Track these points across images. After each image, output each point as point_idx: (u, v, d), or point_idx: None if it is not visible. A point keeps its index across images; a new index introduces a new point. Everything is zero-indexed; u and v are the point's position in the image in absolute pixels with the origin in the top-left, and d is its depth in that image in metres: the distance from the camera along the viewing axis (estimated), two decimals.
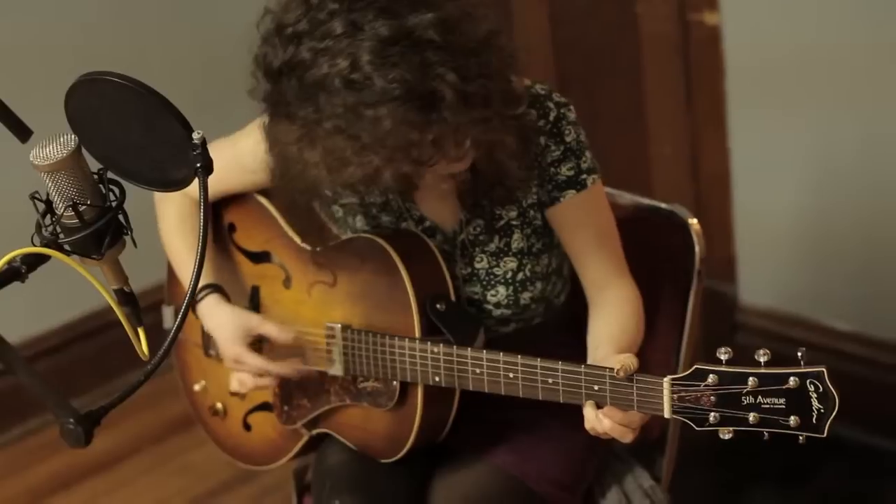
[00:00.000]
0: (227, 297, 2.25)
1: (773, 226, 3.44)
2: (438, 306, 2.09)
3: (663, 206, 2.34)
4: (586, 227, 2.12)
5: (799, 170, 3.33)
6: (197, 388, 2.42)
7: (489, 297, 2.16)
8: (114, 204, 1.38)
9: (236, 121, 2.24)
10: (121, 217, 1.39)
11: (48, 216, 1.38)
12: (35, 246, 1.38)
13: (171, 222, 2.30)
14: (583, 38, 3.69)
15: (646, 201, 2.36)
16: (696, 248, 2.27)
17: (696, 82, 3.47)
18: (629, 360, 1.85)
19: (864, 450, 3.26)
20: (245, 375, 2.23)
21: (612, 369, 1.86)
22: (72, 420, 1.36)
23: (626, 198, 2.38)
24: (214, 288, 2.24)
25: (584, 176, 2.09)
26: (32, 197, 1.38)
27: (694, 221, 2.29)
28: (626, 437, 1.90)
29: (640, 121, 3.63)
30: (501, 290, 2.15)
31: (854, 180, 3.24)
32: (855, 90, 3.15)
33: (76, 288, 1.72)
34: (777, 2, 3.23)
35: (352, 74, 1.83)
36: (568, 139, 2.08)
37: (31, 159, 1.34)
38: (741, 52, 3.34)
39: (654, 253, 2.34)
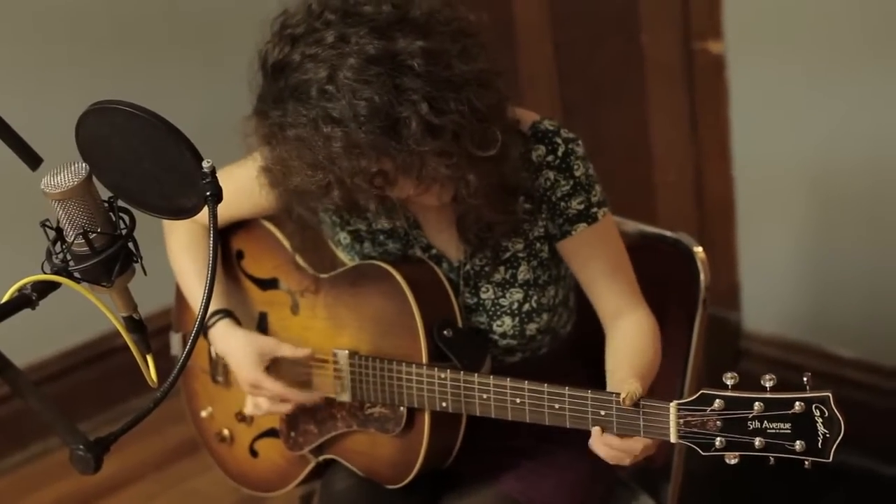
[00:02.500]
0: (238, 323, 2.25)
1: (778, 253, 3.45)
2: (445, 332, 2.09)
3: (668, 234, 2.34)
4: (598, 259, 2.12)
5: (803, 198, 3.33)
6: (204, 414, 2.43)
7: (495, 328, 2.16)
8: (124, 232, 1.38)
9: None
10: (131, 245, 1.39)
11: (58, 244, 1.38)
12: (45, 273, 1.38)
13: (181, 249, 2.31)
14: (587, 66, 3.70)
15: (651, 229, 2.36)
16: (702, 277, 2.27)
17: (700, 110, 3.48)
18: (633, 387, 1.86)
19: (868, 476, 3.26)
20: (262, 399, 2.24)
21: (618, 394, 1.87)
22: (82, 446, 1.36)
23: (631, 226, 2.38)
24: (226, 313, 2.25)
25: (595, 209, 2.10)
26: (43, 224, 1.38)
27: (699, 250, 2.29)
28: (623, 462, 1.92)
29: (644, 148, 3.63)
30: (507, 320, 2.16)
31: (859, 209, 3.24)
32: (861, 117, 3.15)
33: (78, 314, 1.72)
34: (782, 29, 3.23)
35: (327, 85, 1.87)
36: (577, 173, 2.09)
37: (42, 187, 1.34)
38: (745, 81, 3.35)
39: (659, 281, 2.34)
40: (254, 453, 2.37)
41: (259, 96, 1.98)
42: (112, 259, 1.37)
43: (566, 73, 3.74)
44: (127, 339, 1.43)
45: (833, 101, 3.19)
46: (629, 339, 2.10)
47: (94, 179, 1.36)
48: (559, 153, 2.08)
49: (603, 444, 1.91)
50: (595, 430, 1.91)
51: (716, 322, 3.19)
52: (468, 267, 2.15)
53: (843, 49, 3.13)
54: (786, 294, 3.47)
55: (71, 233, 1.36)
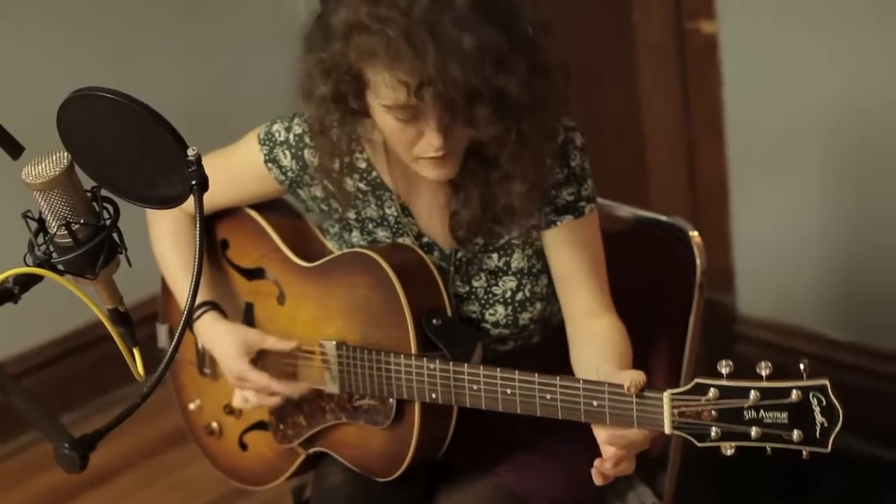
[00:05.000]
0: (224, 315, 2.23)
1: (772, 235, 3.43)
2: (435, 321, 2.06)
3: (664, 218, 2.32)
4: (579, 255, 2.09)
5: (797, 179, 3.32)
6: (192, 407, 2.40)
7: (488, 317, 2.13)
8: (108, 222, 1.36)
9: (231, 134, 2.22)
10: (115, 236, 1.36)
11: (41, 235, 1.36)
12: (28, 266, 1.35)
13: (165, 238, 2.28)
14: (579, 46, 3.67)
15: (646, 214, 2.35)
16: (698, 261, 2.25)
17: (692, 91, 3.46)
18: (638, 376, 1.82)
19: (864, 461, 3.24)
20: (249, 392, 2.21)
21: (612, 385, 1.83)
22: (67, 445, 1.33)
23: (626, 210, 2.36)
24: (212, 305, 2.22)
25: (583, 203, 2.07)
26: (25, 216, 1.36)
27: (695, 234, 2.27)
28: (627, 470, 1.88)
29: (636, 129, 3.62)
30: (500, 309, 2.12)
31: (853, 189, 3.23)
32: (855, 98, 3.14)
33: (70, 302, 1.70)
34: (773, 9, 3.21)
35: None
36: (573, 164, 2.06)
37: (24, 177, 1.32)
38: (738, 61, 3.33)
39: (654, 265, 2.33)
40: (243, 446, 2.34)
41: None
42: (96, 250, 1.35)
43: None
44: (112, 332, 1.41)
45: (826, 83, 3.17)
46: (612, 339, 2.06)
47: (77, 169, 1.33)
48: (558, 140, 2.05)
49: (610, 445, 1.85)
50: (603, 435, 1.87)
51: (710, 306, 3.15)
52: (460, 254, 2.12)
53: (837, 29, 3.11)
54: (781, 277, 3.46)
55: (53, 224, 1.34)
